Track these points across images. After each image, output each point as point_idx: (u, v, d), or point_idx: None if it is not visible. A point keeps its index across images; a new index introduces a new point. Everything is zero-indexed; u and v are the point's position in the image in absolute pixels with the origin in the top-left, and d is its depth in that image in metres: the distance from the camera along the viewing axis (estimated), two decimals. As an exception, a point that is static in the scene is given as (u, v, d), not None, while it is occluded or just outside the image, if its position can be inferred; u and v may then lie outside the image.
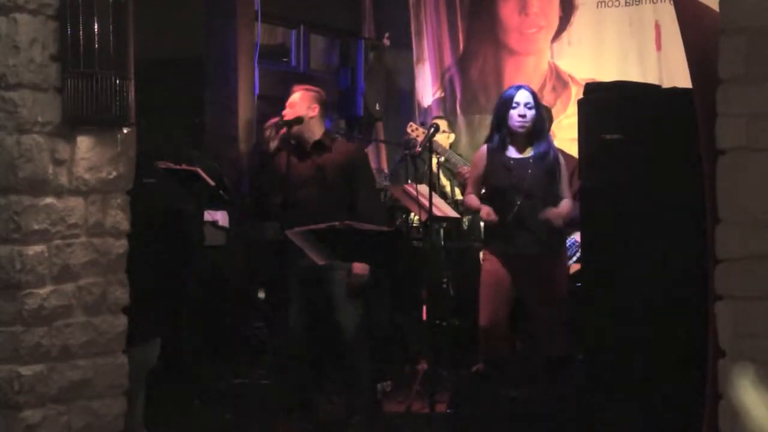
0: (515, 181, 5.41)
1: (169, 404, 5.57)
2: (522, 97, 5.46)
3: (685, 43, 4.04)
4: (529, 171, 5.44)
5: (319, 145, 5.66)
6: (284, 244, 5.36)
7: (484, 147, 5.60)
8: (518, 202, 5.38)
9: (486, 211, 5.42)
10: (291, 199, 5.64)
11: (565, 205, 5.48)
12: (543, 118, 5.53)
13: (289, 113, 5.64)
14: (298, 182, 5.62)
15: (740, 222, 3.32)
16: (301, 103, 5.67)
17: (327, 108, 5.93)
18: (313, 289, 5.59)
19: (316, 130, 5.68)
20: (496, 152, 5.50)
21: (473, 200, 5.57)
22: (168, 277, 5.79)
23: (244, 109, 7.43)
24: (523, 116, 5.43)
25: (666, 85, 6.35)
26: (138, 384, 4.47)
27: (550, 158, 5.46)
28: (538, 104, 5.51)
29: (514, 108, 5.45)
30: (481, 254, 5.67)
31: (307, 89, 5.75)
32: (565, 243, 5.62)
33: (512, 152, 5.50)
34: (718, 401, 3.37)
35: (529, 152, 5.49)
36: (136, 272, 4.08)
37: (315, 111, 5.67)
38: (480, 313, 5.54)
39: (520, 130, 5.45)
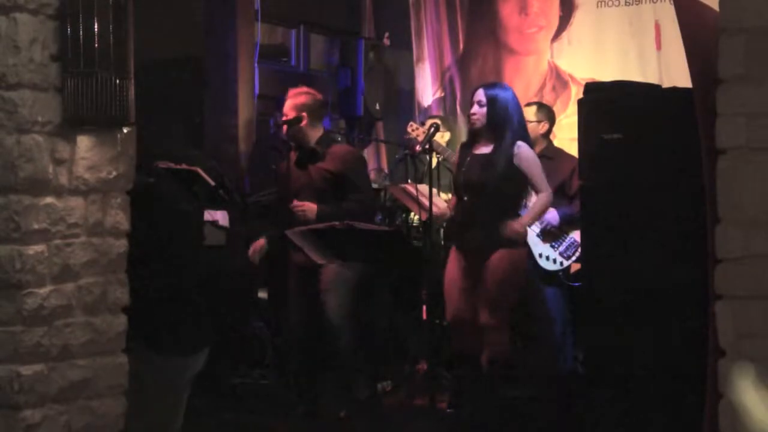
0: (467, 177, 5.51)
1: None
2: (477, 95, 5.59)
3: (685, 43, 4.04)
4: (481, 168, 5.48)
5: (313, 153, 5.69)
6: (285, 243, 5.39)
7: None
8: (465, 198, 5.49)
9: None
10: (289, 204, 5.67)
11: (536, 206, 5.52)
12: (502, 116, 5.52)
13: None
14: (294, 188, 5.65)
15: (740, 222, 3.32)
16: (290, 112, 5.71)
17: (323, 109, 5.94)
18: (308, 286, 5.63)
19: (310, 136, 5.70)
20: (465, 148, 5.68)
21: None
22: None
23: (244, 109, 7.43)
24: (474, 114, 5.56)
25: (666, 85, 6.34)
26: (185, 393, 4.38)
27: (502, 157, 5.47)
28: (493, 103, 5.52)
29: (471, 105, 5.59)
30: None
31: (296, 95, 5.77)
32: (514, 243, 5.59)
33: (478, 149, 5.57)
34: (718, 401, 3.36)
35: (488, 149, 5.54)
36: (184, 277, 4.08)
37: (304, 119, 5.71)
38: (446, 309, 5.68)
39: (473, 126, 5.60)
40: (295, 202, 5.59)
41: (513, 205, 5.58)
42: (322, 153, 5.70)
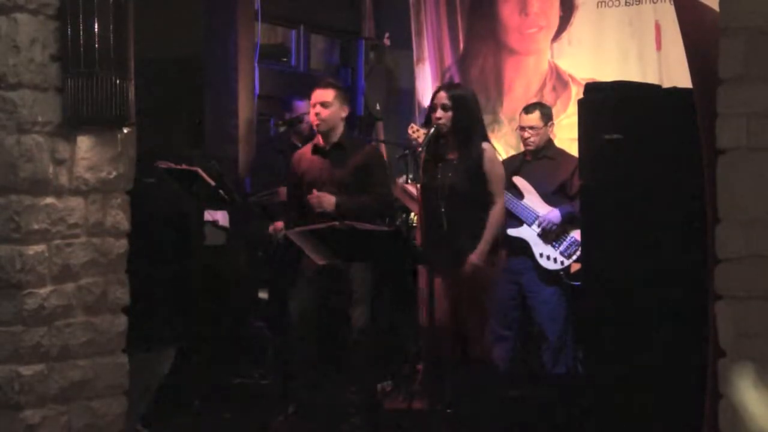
0: (438, 183, 5.38)
1: (169, 404, 5.57)
2: (439, 98, 5.44)
3: (685, 43, 4.04)
4: (450, 174, 5.40)
5: (338, 147, 5.68)
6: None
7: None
8: (441, 208, 5.34)
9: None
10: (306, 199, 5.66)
11: (491, 226, 5.38)
12: (469, 118, 5.45)
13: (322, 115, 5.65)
14: (316, 181, 5.64)
15: (740, 221, 3.32)
16: (331, 101, 5.66)
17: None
18: (325, 286, 5.62)
19: (340, 129, 5.70)
20: (430, 153, 5.45)
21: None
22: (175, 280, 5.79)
23: (244, 109, 7.42)
24: (440, 118, 5.39)
25: (666, 85, 6.34)
26: (146, 392, 4.36)
27: (470, 162, 5.40)
28: (459, 105, 5.41)
29: (434, 109, 5.45)
30: None
31: (329, 85, 5.74)
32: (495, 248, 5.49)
33: (446, 154, 5.46)
34: (718, 401, 3.36)
35: (455, 154, 5.46)
36: (153, 276, 4.08)
37: (346, 111, 5.72)
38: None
39: (440, 130, 5.39)
40: (314, 192, 5.54)
41: (484, 211, 5.47)
42: (350, 148, 5.71)
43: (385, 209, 5.88)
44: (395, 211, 6.79)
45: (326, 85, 5.72)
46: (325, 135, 5.67)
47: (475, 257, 5.33)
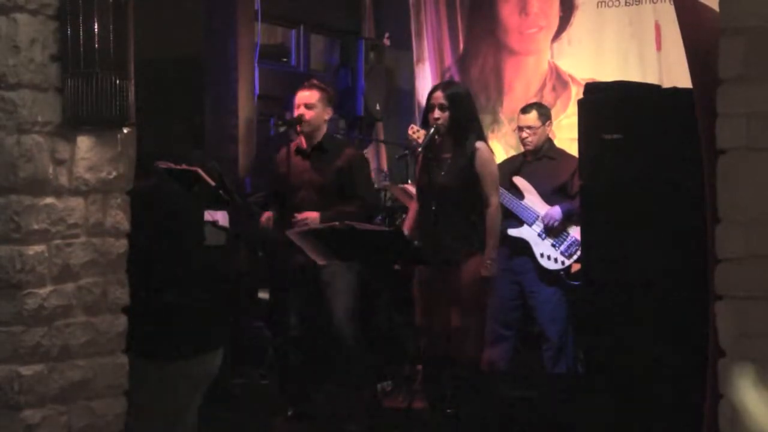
0: (432, 182, 5.40)
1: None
2: (436, 98, 5.45)
3: (685, 43, 4.04)
4: (443, 173, 5.42)
5: (319, 148, 5.67)
6: (283, 244, 5.38)
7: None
8: (432, 206, 5.34)
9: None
10: (290, 200, 5.66)
11: (491, 232, 5.42)
12: (466, 117, 5.48)
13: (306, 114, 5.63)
14: (297, 183, 5.64)
15: (740, 222, 3.32)
16: (314, 103, 5.65)
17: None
18: (308, 287, 5.62)
19: (323, 131, 5.69)
20: (428, 151, 5.46)
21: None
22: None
23: (244, 109, 7.42)
24: (437, 118, 5.40)
25: (666, 85, 6.34)
26: (197, 396, 4.32)
27: (464, 161, 5.41)
28: (455, 104, 5.43)
29: (431, 109, 5.46)
30: None
31: (312, 86, 5.73)
32: (481, 247, 5.49)
33: (442, 152, 5.48)
34: (718, 401, 3.36)
35: (450, 152, 5.47)
36: (205, 274, 4.06)
37: (330, 113, 5.71)
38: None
39: (438, 130, 5.41)
40: (297, 216, 5.55)
41: (475, 211, 5.48)
42: (331, 149, 5.70)
43: (371, 214, 5.89)
44: (395, 211, 6.80)
45: (310, 87, 5.71)
46: (308, 136, 5.68)
47: (485, 270, 5.36)
